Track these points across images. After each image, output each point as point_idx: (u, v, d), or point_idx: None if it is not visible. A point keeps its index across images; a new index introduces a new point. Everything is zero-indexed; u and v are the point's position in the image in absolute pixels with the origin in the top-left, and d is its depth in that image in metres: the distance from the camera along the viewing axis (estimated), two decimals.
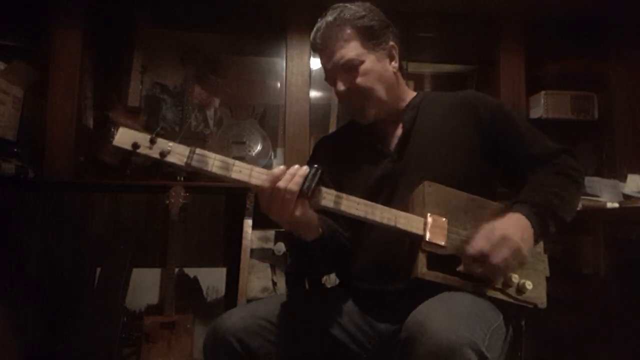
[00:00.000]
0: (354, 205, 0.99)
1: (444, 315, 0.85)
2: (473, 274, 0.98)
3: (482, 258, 0.96)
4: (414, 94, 1.29)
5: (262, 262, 2.30)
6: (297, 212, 0.95)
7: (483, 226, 1.00)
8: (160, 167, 2.37)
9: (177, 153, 0.91)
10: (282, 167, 0.95)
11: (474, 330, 0.85)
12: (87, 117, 2.54)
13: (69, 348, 2.03)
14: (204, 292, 2.32)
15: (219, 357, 1.04)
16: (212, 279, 2.33)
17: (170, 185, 2.24)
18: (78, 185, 2.32)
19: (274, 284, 2.30)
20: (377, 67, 1.19)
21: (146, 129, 2.60)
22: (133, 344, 2.15)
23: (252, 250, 2.28)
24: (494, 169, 1.20)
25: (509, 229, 0.98)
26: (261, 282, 2.28)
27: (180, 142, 0.92)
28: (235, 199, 2.34)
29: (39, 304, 2.12)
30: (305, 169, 0.95)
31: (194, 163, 0.92)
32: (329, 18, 1.19)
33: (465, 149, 1.17)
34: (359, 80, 1.18)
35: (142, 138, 0.90)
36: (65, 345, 2.04)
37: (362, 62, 1.17)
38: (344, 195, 0.99)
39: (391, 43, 1.23)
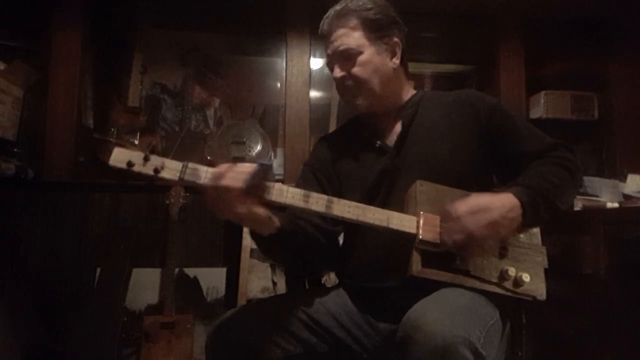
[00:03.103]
0: (345, 209, 1.00)
1: (439, 314, 0.85)
2: (447, 242, 0.98)
3: (456, 221, 0.96)
4: (414, 92, 1.30)
5: (262, 262, 2.30)
6: (241, 210, 0.94)
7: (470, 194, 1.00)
8: None
9: (171, 168, 0.93)
10: (226, 165, 0.94)
11: (470, 328, 0.85)
12: (87, 117, 2.54)
13: (69, 348, 2.03)
14: (204, 292, 2.32)
15: (220, 356, 1.04)
16: (212, 279, 2.33)
17: (170, 185, 2.24)
18: (78, 185, 2.32)
19: (274, 284, 2.30)
20: (375, 60, 1.20)
21: (146, 128, 2.61)
22: (133, 344, 2.16)
23: (252, 250, 2.27)
24: (492, 165, 1.21)
25: (494, 203, 0.98)
26: (261, 282, 2.28)
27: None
28: None
29: (39, 304, 2.12)
30: (249, 166, 0.95)
31: (186, 177, 0.93)
32: (337, 7, 1.22)
33: (463, 146, 1.17)
34: (355, 69, 1.19)
35: (137, 156, 0.92)
36: (65, 345, 2.04)
37: (361, 52, 1.19)
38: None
39: (395, 39, 1.23)
